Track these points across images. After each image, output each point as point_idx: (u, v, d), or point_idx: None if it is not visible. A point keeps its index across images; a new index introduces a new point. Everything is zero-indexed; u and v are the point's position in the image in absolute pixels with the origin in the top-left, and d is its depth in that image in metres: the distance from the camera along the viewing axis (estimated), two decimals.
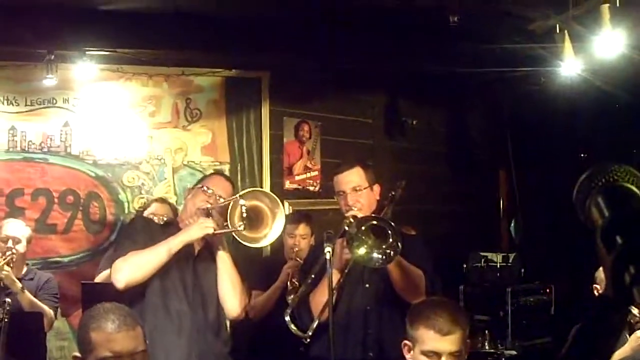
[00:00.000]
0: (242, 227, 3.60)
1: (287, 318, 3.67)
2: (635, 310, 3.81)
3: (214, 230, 3.60)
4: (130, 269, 3.50)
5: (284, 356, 4.60)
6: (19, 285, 4.75)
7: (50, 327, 5.03)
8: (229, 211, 3.72)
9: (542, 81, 6.35)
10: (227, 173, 5.72)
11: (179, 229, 3.71)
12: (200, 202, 3.71)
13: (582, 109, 6.46)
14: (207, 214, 3.68)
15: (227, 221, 3.70)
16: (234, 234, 3.74)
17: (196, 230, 3.59)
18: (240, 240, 3.73)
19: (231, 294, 3.69)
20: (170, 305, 3.58)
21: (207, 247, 3.74)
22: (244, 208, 3.63)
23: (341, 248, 3.64)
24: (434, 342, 2.83)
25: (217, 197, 3.72)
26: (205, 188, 3.75)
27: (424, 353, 2.85)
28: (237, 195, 3.75)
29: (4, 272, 4.69)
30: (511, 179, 7.56)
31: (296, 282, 4.54)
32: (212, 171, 5.50)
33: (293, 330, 3.67)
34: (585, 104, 6.37)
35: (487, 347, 6.03)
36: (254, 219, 3.76)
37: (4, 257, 4.73)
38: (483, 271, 6.56)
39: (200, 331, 3.60)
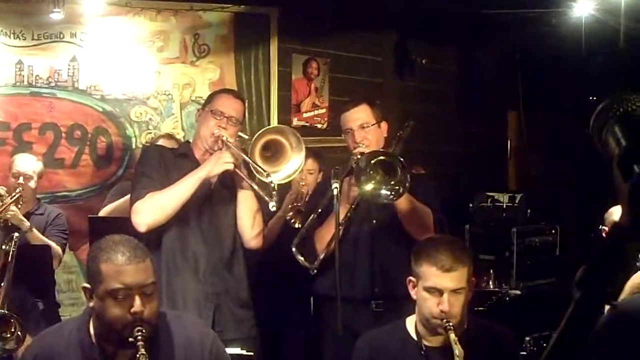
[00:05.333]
0: (266, 175, 3.49)
1: (294, 249, 3.69)
2: None
3: (234, 165, 3.51)
4: (151, 211, 3.46)
5: (289, 292, 4.62)
6: (27, 224, 4.71)
7: (59, 264, 5.04)
8: (249, 148, 3.64)
9: (554, 22, 6.27)
10: None
11: (193, 159, 3.66)
12: (212, 127, 3.60)
13: (594, 50, 6.38)
14: (224, 144, 3.57)
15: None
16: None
17: (215, 166, 3.51)
18: (252, 170, 3.61)
19: (251, 223, 3.63)
20: (188, 247, 3.56)
21: (224, 178, 3.64)
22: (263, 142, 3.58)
23: (349, 184, 3.64)
24: (436, 279, 2.84)
25: (229, 119, 3.61)
26: (214, 111, 3.62)
27: (427, 289, 2.86)
28: (261, 132, 3.67)
29: (10, 212, 4.65)
30: (520, 121, 7.52)
31: (298, 205, 4.47)
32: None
33: (300, 261, 3.68)
34: (598, 45, 6.29)
35: (491, 287, 6.07)
36: (273, 152, 3.69)
37: (11, 197, 4.68)
38: (489, 211, 6.56)
39: (216, 270, 3.58)
